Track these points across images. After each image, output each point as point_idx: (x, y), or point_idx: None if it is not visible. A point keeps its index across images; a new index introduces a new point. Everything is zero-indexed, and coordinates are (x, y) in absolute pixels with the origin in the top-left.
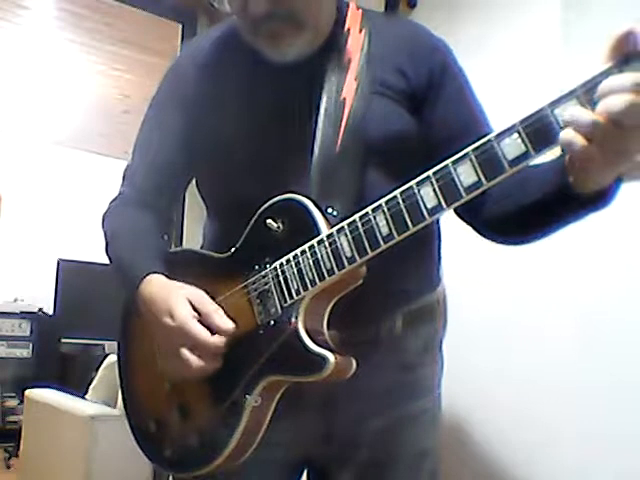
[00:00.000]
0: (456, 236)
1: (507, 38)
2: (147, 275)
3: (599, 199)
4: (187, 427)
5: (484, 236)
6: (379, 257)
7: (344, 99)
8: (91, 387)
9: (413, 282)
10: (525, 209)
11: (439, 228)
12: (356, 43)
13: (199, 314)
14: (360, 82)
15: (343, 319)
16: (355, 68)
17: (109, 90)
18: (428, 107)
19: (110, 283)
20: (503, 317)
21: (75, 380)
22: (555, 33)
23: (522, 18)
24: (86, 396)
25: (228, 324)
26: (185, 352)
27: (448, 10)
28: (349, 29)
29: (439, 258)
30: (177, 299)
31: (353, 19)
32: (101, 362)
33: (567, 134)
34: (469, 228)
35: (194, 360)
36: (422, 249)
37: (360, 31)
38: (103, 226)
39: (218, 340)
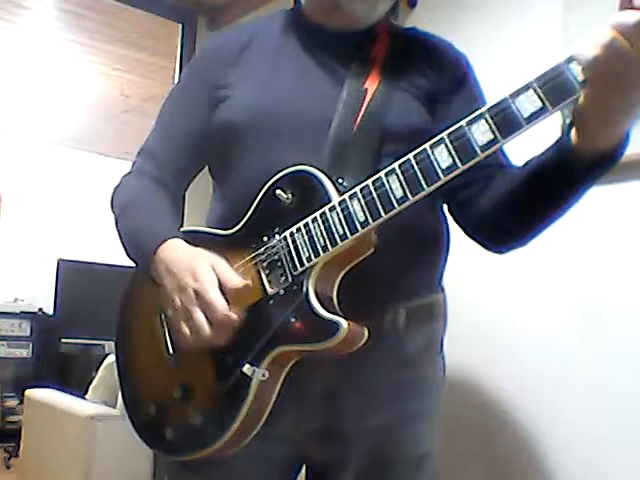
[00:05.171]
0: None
1: (507, 39)
2: (168, 239)
3: (604, 160)
4: (190, 406)
5: (480, 240)
6: (385, 250)
7: (366, 89)
8: (91, 387)
9: (416, 281)
10: (518, 195)
11: (449, 239)
12: (383, 44)
13: (220, 283)
14: (383, 78)
15: (346, 309)
16: (379, 65)
17: (109, 90)
18: (444, 108)
19: (110, 283)
20: (510, 311)
21: (75, 380)
22: (556, 34)
23: (522, 19)
24: (86, 396)
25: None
26: (199, 315)
27: (448, 11)
28: (379, 32)
29: (444, 267)
30: (201, 262)
31: (383, 26)
32: (101, 362)
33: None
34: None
35: (203, 324)
36: (429, 252)
37: (388, 35)
38: (114, 199)
39: (232, 313)
